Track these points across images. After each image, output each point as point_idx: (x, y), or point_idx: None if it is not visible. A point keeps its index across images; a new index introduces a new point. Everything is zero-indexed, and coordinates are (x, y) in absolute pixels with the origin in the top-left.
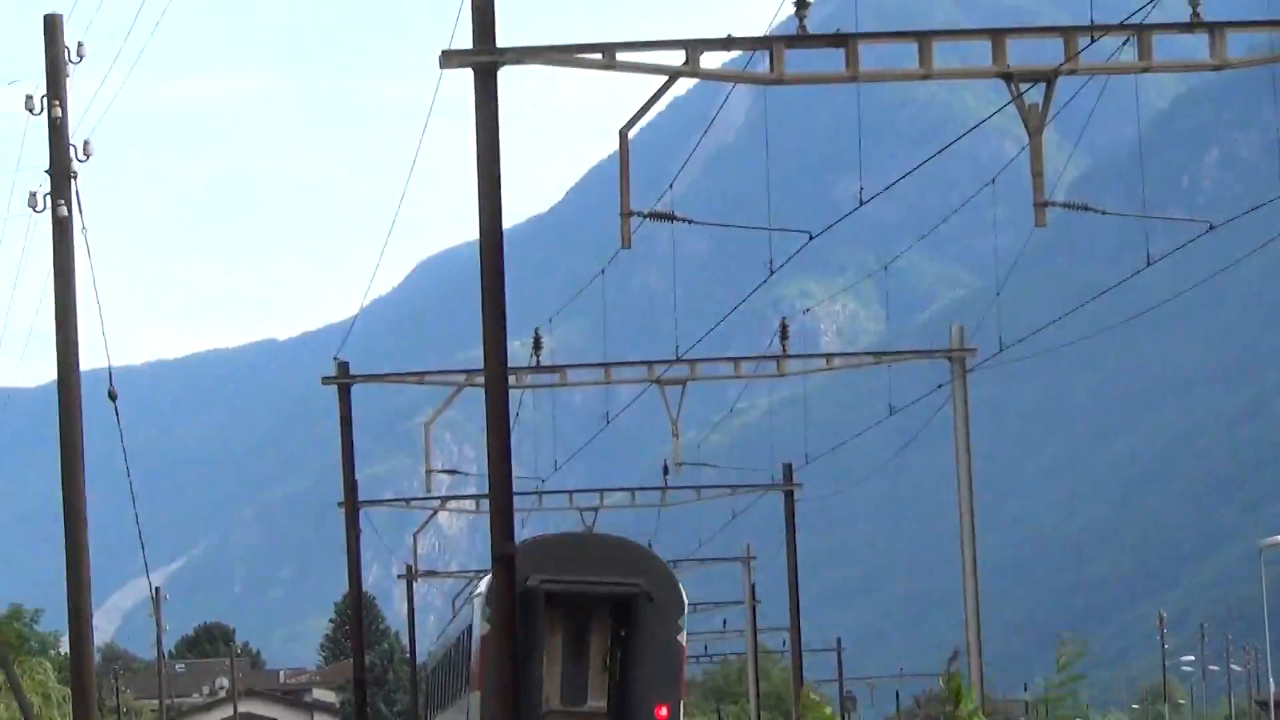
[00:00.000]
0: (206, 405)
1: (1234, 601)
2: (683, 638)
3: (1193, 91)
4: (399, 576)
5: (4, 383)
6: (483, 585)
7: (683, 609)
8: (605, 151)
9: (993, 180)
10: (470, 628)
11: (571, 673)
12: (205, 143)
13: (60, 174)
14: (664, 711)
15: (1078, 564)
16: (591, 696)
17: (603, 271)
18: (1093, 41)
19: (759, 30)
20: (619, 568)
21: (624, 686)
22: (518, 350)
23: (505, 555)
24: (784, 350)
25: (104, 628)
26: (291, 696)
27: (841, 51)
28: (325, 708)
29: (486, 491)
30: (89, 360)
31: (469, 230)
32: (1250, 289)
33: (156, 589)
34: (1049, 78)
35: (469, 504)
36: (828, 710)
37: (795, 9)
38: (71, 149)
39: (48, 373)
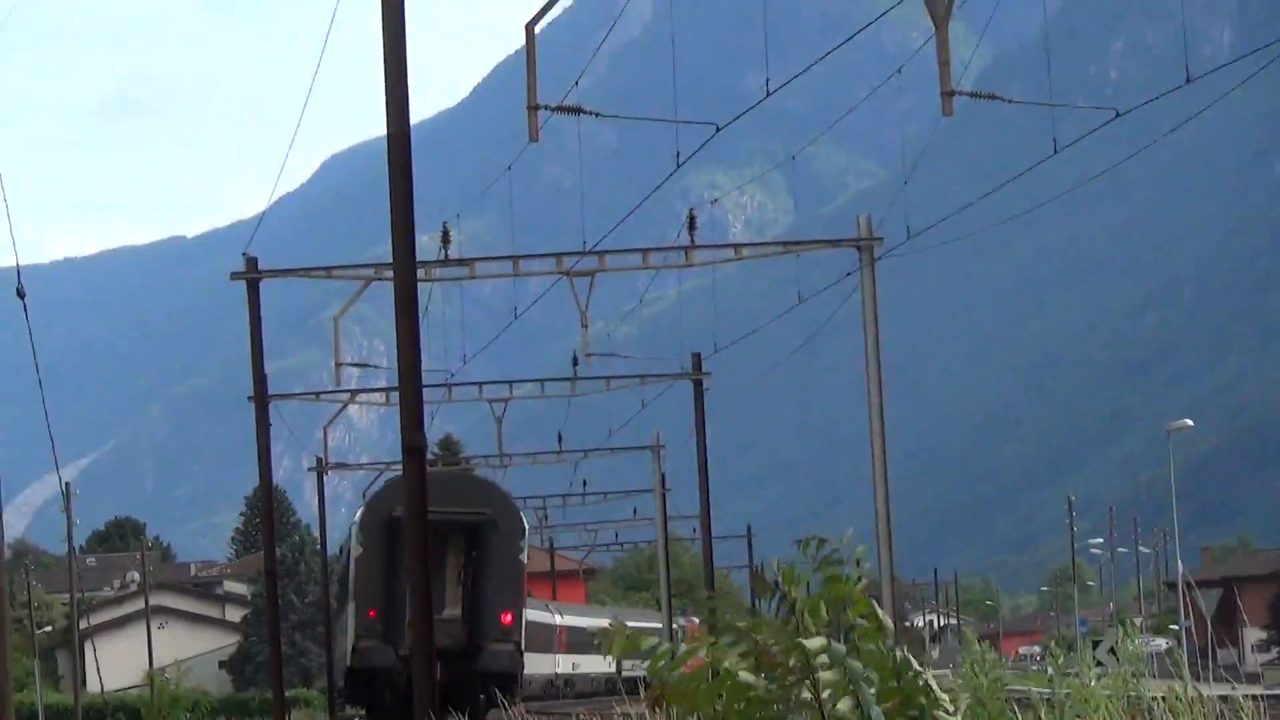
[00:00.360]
0: (116, 303)
1: (1142, 485)
2: (524, 556)
3: None
4: (309, 470)
5: None
6: (358, 515)
7: (524, 532)
8: (512, 47)
9: (899, 70)
10: (349, 550)
11: (432, 585)
12: (114, 40)
13: None
14: (508, 617)
15: (986, 450)
16: (448, 606)
17: (510, 166)
18: None
19: None
20: (471, 500)
21: (475, 597)
22: (426, 244)
23: (415, 447)
24: (692, 241)
25: (15, 524)
26: (203, 589)
27: None
28: (236, 600)
29: (396, 384)
30: None
31: (377, 126)
32: (1157, 177)
33: (67, 485)
34: None
35: (379, 397)
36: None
37: None
38: None
39: None
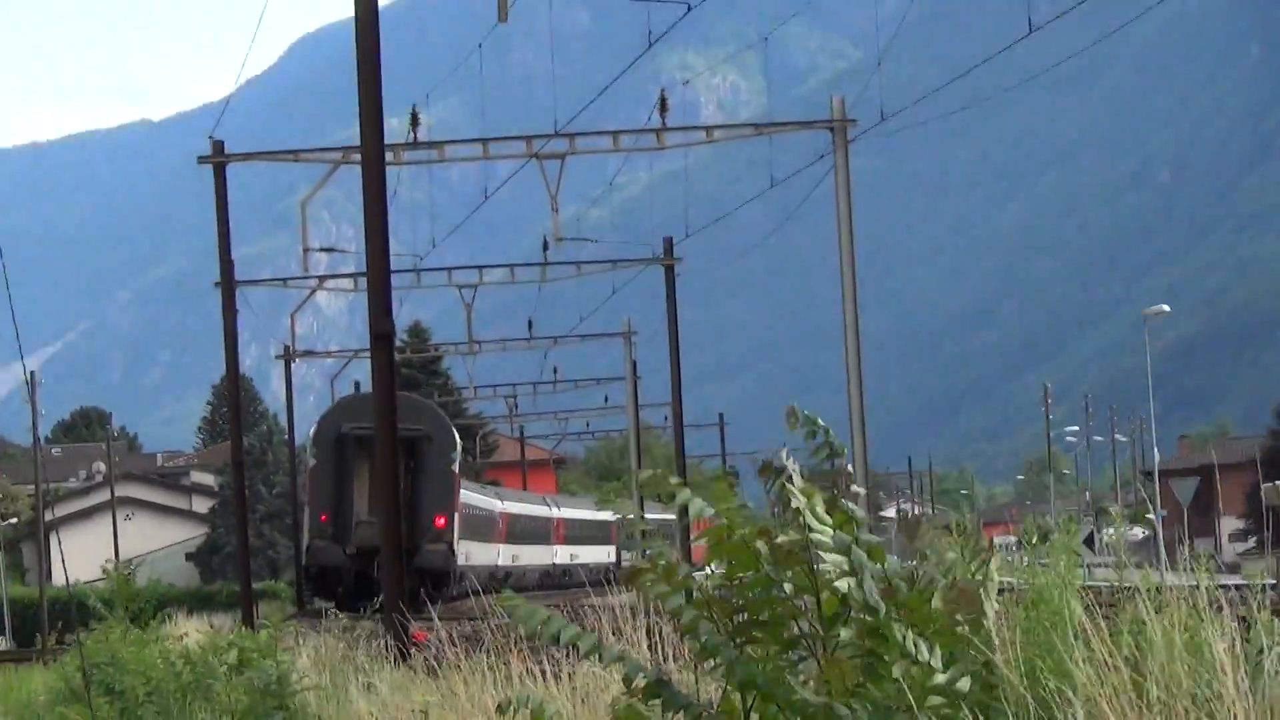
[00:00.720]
0: (81, 188)
1: (1118, 372)
2: (455, 467)
3: None
4: (277, 357)
5: None
6: (311, 431)
7: (456, 446)
8: None
9: None
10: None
11: (375, 492)
12: None
13: None
14: (441, 520)
15: (961, 337)
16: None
17: (480, 46)
18: None
19: None
20: (409, 418)
21: (413, 503)
22: (395, 127)
23: (383, 333)
24: (664, 124)
25: None
26: (169, 479)
27: None
28: (203, 490)
29: (365, 270)
30: None
31: (345, 7)
32: (1134, 57)
33: (31, 373)
34: None
35: (347, 283)
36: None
37: None
38: None
39: None
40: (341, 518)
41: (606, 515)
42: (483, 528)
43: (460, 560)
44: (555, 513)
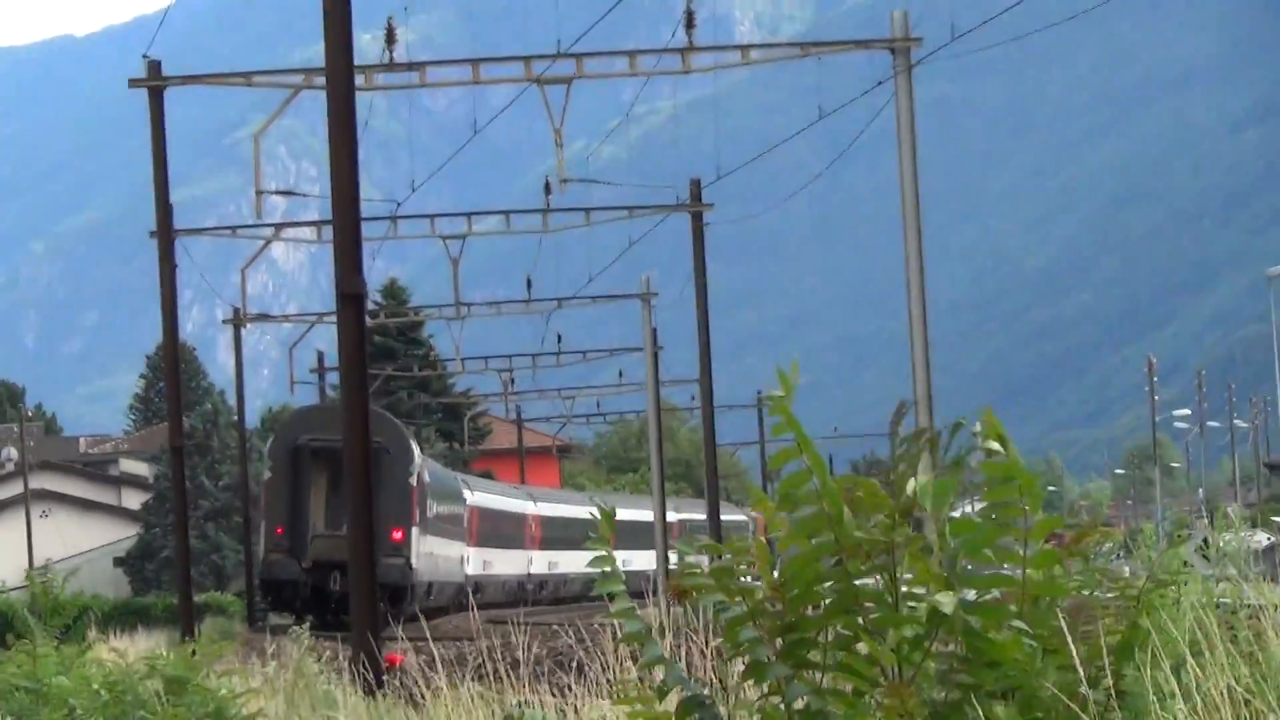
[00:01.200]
0: None
1: (1237, 344)
2: (413, 480)
3: None
4: (225, 322)
5: None
6: (268, 444)
7: (413, 459)
8: None
9: None
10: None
11: (331, 505)
12: None
13: None
14: (399, 534)
15: (1048, 300)
16: (346, 523)
17: None
18: None
19: None
20: None
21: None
22: (367, 45)
23: (353, 294)
24: (690, 42)
25: None
26: (95, 469)
27: None
28: (136, 482)
29: (329, 217)
30: None
31: None
32: None
33: None
34: None
35: (308, 232)
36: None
37: None
38: None
39: None
40: (298, 531)
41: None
42: (449, 527)
43: (424, 573)
44: (532, 509)
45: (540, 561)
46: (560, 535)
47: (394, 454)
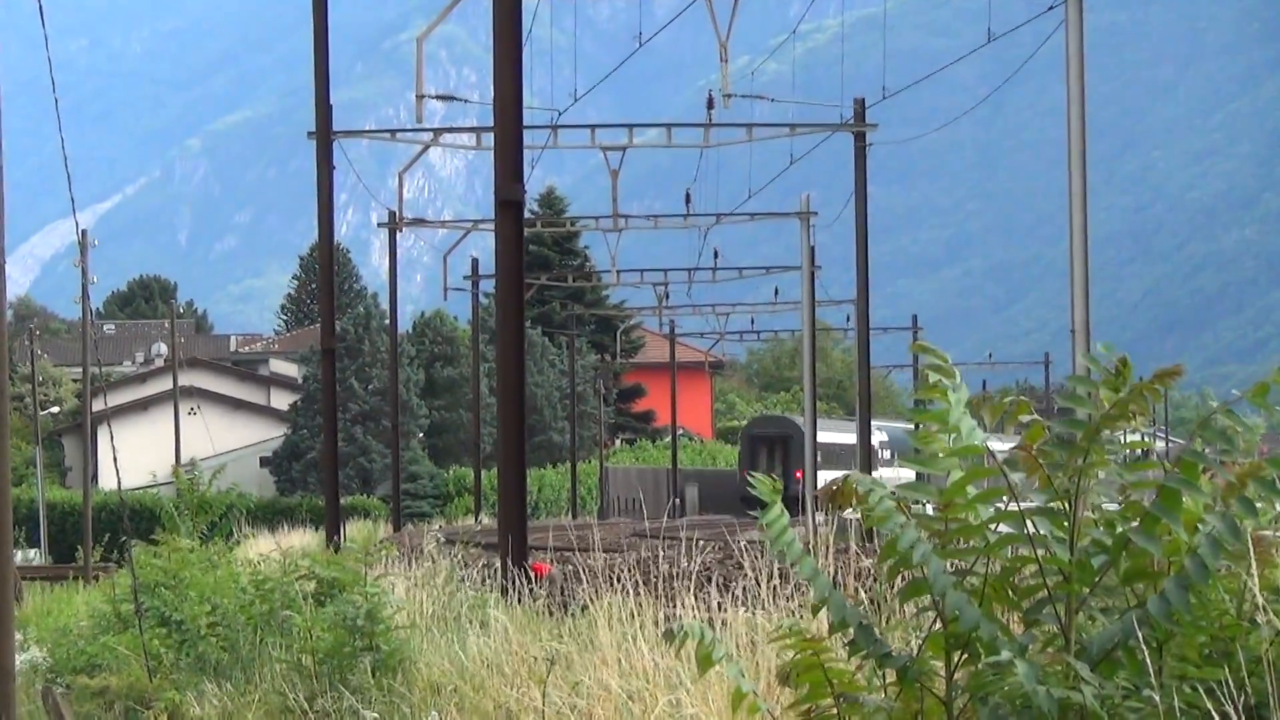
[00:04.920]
0: (149, 11)
1: None
2: None
3: None
4: (380, 225)
5: None
6: None
7: None
8: None
9: None
10: None
11: None
12: None
13: None
14: None
15: (1210, 233)
16: None
17: None
18: None
19: None
20: None
21: None
22: None
23: (511, 200)
24: None
25: (18, 279)
26: (245, 368)
27: None
28: (285, 382)
29: (490, 124)
30: None
31: None
32: None
33: (83, 232)
34: None
35: (467, 138)
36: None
37: None
38: None
39: None
40: None
41: None
42: None
43: None
44: None
45: None
46: None
47: None
